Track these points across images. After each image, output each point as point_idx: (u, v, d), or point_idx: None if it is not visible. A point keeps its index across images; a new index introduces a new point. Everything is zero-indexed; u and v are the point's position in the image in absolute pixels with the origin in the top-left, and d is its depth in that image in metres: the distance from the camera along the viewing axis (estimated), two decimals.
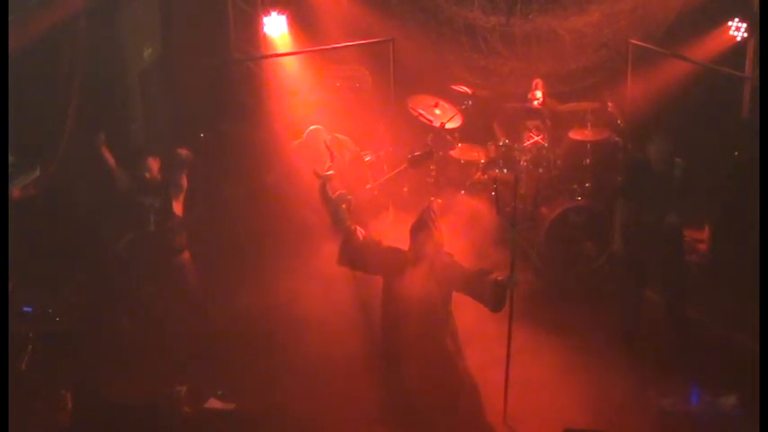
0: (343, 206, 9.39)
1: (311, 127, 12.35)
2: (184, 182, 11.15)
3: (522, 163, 13.10)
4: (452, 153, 13.46)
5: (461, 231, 11.13)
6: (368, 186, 12.36)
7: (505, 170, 13.09)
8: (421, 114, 13.48)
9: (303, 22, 14.07)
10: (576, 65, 14.45)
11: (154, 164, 11.24)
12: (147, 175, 11.20)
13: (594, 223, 12.84)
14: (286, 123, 13.11)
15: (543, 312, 11.39)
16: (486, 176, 13.25)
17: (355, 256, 9.42)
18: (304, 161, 11.85)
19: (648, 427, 9.78)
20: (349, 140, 12.53)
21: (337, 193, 9.43)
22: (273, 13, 13.73)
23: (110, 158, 11.29)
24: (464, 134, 13.66)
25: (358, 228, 9.38)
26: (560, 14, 14.19)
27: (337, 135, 12.35)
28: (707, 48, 13.65)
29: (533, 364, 10.47)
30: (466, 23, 14.42)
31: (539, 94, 13.60)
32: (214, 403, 10.07)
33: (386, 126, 13.44)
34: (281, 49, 13.98)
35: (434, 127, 13.35)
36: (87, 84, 12.84)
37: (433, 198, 12.56)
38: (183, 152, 11.03)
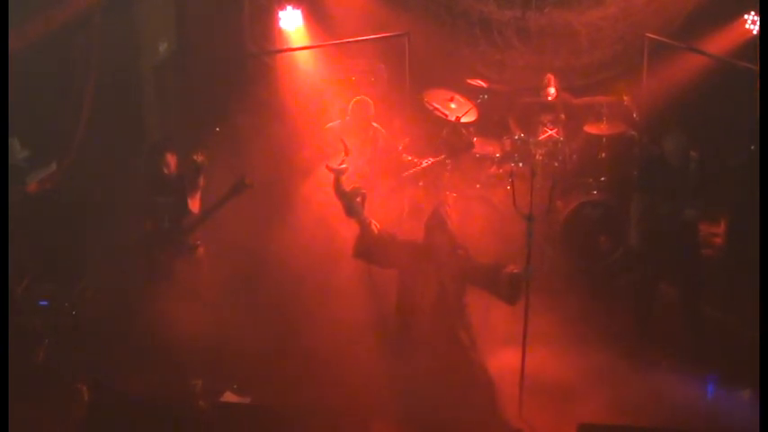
0: (358, 200, 9.38)
1: (357, 97, 12.34)
2: (201, 181, 11.18)
3: (537, 157, 13.08)
4: None
5: (476, 225, 11.15)
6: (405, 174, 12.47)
7: (521, 164, 13.07)
8: (436, 108, 13.46)
9: (318, 17, 14.07)
10: (592, 58, 14.44)
11: (172, 159, 11.29)
12: (166, 170, 11.25)
13: (610, 217, 12.83)
14: (301, 117, 13.11)
15: (558, 306, 11.38)
16: (501, 170, 13.24)
17: (370, 249, 9.42)
18: (344, 138, 11.87)
19: (663, 420, 9.77)
20: (382, 129, 12.49)
21: (352, 186, 9.43)
22: (289, 7, 13.72)
23: None
24: (479, 128, 13.63)
25: (373, 221, 9.38)
26: (576, 8, 14.17)
27: (373, 124, 12.33)
28: (723, 41, 13.61)
29: (548, 358, 10.48)
30: (481, 17, 14.41)
31: (552, 90, 13.57)
32: (229, 397, 10.12)
33: (402, 120, 13.42)
34: (297, 44, 13.98)
35: (450, 121, 13.33)
36: (102, 79, 12.89)
37: (448, 192, 12.60)
38: (200, 158, 11.04)
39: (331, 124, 12.47)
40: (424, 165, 12.81)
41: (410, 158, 12.90)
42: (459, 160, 13.28)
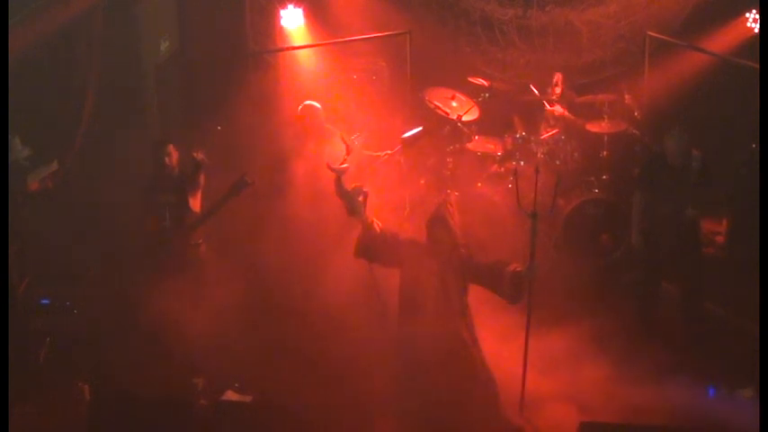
0: (360, 199, 9.38)
1: (305, 102, 12.34)
2: (201, 179, 11.19)
3: (539, 155, 13.09)
4: (469, 145, 13.43)
5: (478, 223, 11.15)
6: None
7: (522, 162, 13.08)
8: (438, 107, 13.46)
9: (320, 15, 14.06)
10: (593, 57, 14.41)
11: (173, 157, 11.30)
12: (167, 169, 11.25)
13: (611, 216, 12.84)
14: (302, 116, 13.09)
15: (560, 304, 11.38)
16: (502, 169, 13.24)
17: (372, 248, 9.41)
18: (300, 143, 11.86)
19: (664, 418, 9.77)
20: (335, 129, 12.46)
21: (353, 185, 9.42)
22: (290, 6, 13.71)
23: None
24: (481, 127, 13.63)
25: (375, 220, 9.38)
26: (577, 6, 14.13)
27: (326, 125, 12.31)
28: (724, 39, 13.59)
29: (550, 356, 10.48)
30: (483, 16, 14.38)
31: (558, 90, 13.57)
32: (230, 395, 10.12)
33: (404, 119, 13.40)
34: (298, 42, 13.97)
35: (451, 119, 13.33)
36: (104, 78, 12.90)
37: (449, 191, 12.59)
38: (199, 155, 11.05)
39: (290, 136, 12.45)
40: (383, 157, 12.75)
41: (369, 153, 12.86)
42: (460, 158, 13.29)
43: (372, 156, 12.74)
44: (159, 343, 10.71)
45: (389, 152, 12.75)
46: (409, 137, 12.57)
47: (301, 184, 11.65)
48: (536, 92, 13.46)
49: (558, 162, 13.16)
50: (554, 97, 13.54)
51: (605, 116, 13.28)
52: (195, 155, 11.05)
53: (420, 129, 12.75)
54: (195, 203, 11.25)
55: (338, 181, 9.38)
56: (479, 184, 13.09)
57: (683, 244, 11.23)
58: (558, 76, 13.65)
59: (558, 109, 13.43)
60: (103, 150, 12.86)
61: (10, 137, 10.96)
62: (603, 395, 10.02)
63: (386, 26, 13.94)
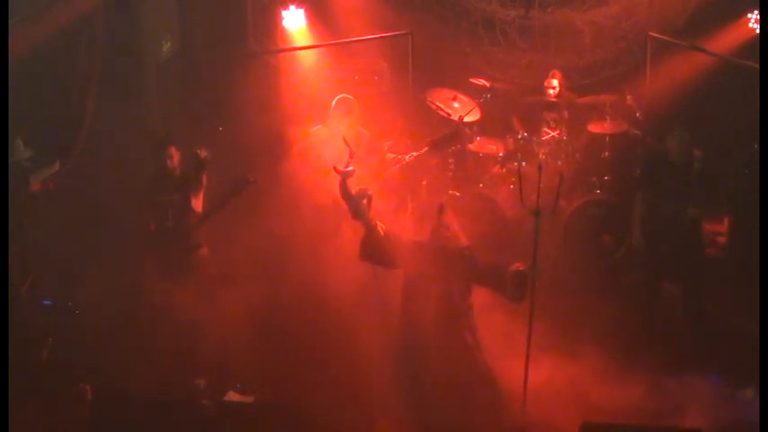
0: (364, 202, 9.38)
1: (340, 95, 12.36)
2: (204, 179, 11.18)
3: (540, 156, 13.09)
4: (471, 146, 13.44)
5: (480, 224, 11.14)
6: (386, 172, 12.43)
7: (524, 163, 13.07)
8: (439, 108, 13.46)
9: (321, 16, 14.06)
10: (595, 57, 14.40)
11: (175, 157, 11.28)
12: (169, 168, 11.24)
13: (613, 216, 12.84)
14: (303, 117, 13.10)
15: (562, 305, 11.39)
16: (504, 169, 13.25)
17: (376, 251, 9.42)
18: (326, 144, 11.88)
19: (666, 419, 9.77)
20: (365, 131, 12.50)
21: (358, 189, 9.42)
22: (292, 7, 13.72)
23: None
24: (482, 127, 13.64)
25: (379, 223, 9.38)
26: (579, 7, 14.13)
27: (357, 126, 12.34)
28: (726, 40, 13.60)
29: (552, 356, 10.46)
30: (484, 16, 14.37)
31: (555, 82, 13.56)
32: (232, 396, 10.12)
33: (405, 120, 13.41)
34: (300, 43, 13.98)
35: (453, 120, 13.33)
36: (105, 78, 12.91)
37: (451, 191, 12.60)
38: (203, 153, 11.03)
39: (315, 128, 12.48)
40: (408, 159, 12.78)
41: (394, 156, 12.87)
42: (462, 159, 13.29)
43: (396, 158, 12.78)
44: (161, 343, 10.72)
45: (415, 154, 12.79)
46: (438, 139, 12.64)
47: (305, 184, 11.67)
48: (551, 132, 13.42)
49: (559, 163, 13.16)
50: (550, 92, 13.54)
51: (607, 117, 13.28)
52: (198, 152, 11.03)
53: (450, 132, 12.83)
54: (197, 203, 11.24)
55: (343, 184, 9.37)
56: (481, 185, 13.10)
57: (684, 244, 11.23)
58: (554, 72, 13.64)
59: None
60: (105, 151, 12.86)
61: (12, 138, 10.97)
62: (605, 396, 10.01)
63: (387, 27, 13.93)
